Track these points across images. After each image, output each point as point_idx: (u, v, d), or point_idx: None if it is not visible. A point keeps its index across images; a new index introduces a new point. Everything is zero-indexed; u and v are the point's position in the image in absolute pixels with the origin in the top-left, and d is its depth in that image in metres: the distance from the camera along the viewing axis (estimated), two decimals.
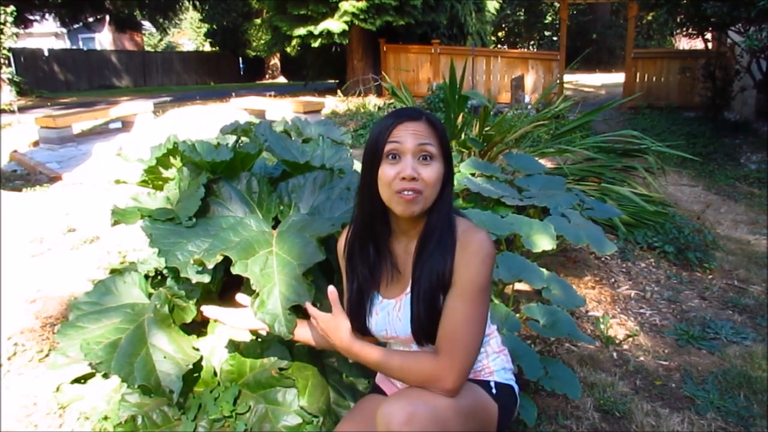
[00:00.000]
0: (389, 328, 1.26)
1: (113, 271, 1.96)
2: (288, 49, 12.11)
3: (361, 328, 1.30)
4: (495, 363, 1.33)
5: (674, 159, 5.79)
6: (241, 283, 1.58)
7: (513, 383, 1.35)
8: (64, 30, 23.33)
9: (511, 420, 1.33)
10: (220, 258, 1.46)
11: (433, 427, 1.06)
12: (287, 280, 1.43)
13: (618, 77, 11.30)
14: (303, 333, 1.43)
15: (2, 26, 11.44)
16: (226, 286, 1.78)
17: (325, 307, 1.61)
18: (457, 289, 1.15)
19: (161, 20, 21.06)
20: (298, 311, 1.41)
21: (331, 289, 1.27)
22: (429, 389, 1.13)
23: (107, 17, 19.88)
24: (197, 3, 20.43)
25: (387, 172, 1.15)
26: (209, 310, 1.39)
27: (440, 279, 1.16)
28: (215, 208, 1.74)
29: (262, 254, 1.49)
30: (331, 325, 1.25)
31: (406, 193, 1.13)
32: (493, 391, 1.27)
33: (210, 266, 1.48)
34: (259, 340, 1.70)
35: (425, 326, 1.18)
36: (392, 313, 1.25)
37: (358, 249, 1.28)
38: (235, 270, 1.41)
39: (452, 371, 1.12)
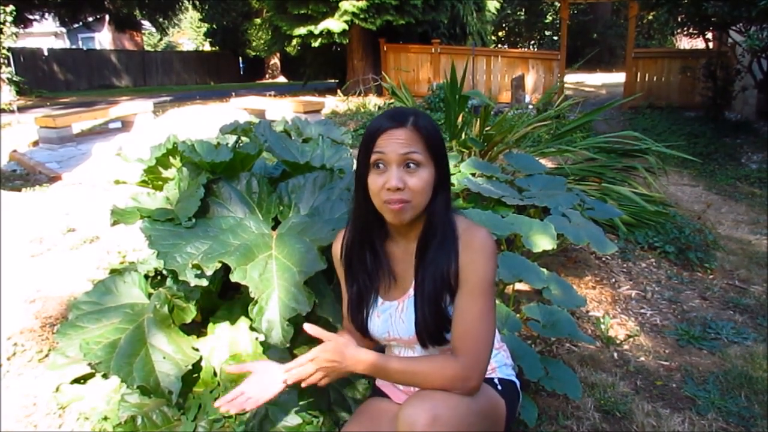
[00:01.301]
0: (391, 330, 1.25)
1: (113, 271, 1.96)
2: (288, 49, 12.11)
3: (361, 331, 1.30)
4: (496, 359, 1.34)
5: (675, 159, 5.79)
6: None
7: (514, 378, 1.35)
8: (64, 29, 23.33)
9: (515, 415, 1.33)
10: (218, 265, 1.45)
11: (456, 428, 1.06)
12: (286, 286, 1.42)
13: (619, 77, 11.29)
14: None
15: (2, 26, 11.43)
16: (226, 285, 1.78)
17: (326, 309, 1.61)
18: (467, 288, 1.16)
19: (161, 20, 21.05)
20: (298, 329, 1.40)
21: (307, 326, 1.20)
22: (451, 390, 1.12)
23: (107, 17, 19.87)
24: (197, 2, 20.42)
25: (374, 181, 1.15)
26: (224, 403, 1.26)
27: (445, 280, 1.16)
28: (215, 209, 1.74)
29: (262, 258, 1.48)
30: (338, 354, 1.17)
31: (393, 203, 1.13)
32: (498, 387, 1.27)
33: (209, 273, 1.47)
34: (260, 340, 1.70)
35: (431, 328, 1.18)
36: (394, 315, 1.25)
37: (356, 253, 1.27)
38: (234, 278, 1.41)
39: (475, 370, 1.13)
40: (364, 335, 1.31)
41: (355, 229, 1.27)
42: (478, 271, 1.15)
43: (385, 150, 1.13)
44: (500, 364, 1.34)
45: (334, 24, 10.54)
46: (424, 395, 1.11)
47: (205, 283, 1.54)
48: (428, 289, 1.17)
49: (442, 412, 1.05)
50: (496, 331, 1.38)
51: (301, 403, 1.63)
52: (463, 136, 3.82)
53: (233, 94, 11.14)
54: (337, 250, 1.34)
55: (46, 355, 2.22)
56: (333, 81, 14.36)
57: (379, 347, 1.38)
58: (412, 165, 1.13)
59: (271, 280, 1.44)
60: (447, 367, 1.13)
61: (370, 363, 1.16)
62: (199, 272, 1.52)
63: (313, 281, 1.50)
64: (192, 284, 1.54)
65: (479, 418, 1.12)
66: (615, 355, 2.37)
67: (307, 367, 1.19)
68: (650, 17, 14.74)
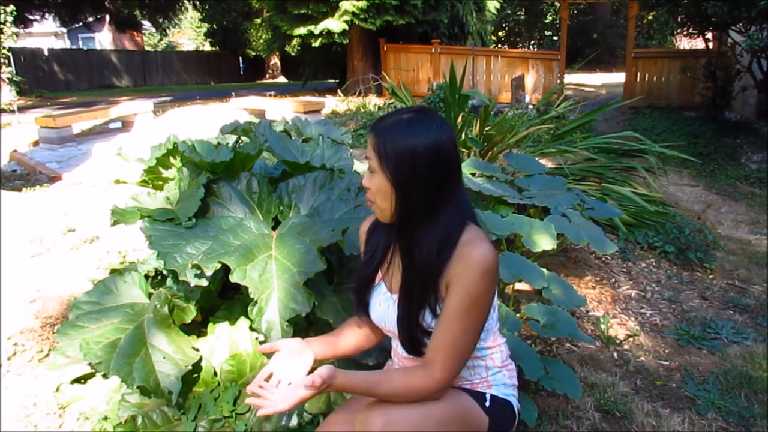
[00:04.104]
0: (387, 321, 1.27)
1: (113, 271, 1.96)
2: (288, 49, 12.12)
3: (364, 308, 1.32)
4: (495, 378, 1.30)
5: (675, 159, 5.79)
6: None
7: (513, 399, 1.32)
8: (64, 30, 23.34)
9: None
10: (218, 265, 1.46)
11: (410, 429, 1.09)
12: (286, 287, 1.43)
13: (618, 77, 11.28)
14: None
15: (2, 26, 11.44)
16: (226, 285, 1.78)
17: (326, 310, 1.61)
18: (452, 302, 1.13)
19: (161, 20, 21.06)
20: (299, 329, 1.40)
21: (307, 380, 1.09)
22: (424, 400, 1.14)
23: (107, 17, 19.88)
24: (197, 3, 20.42)
25: None
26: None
27: (430, 288, 1.16)
28: (215, 209, 1.74)
29: (262, 258, 1.48)
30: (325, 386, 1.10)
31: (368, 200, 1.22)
32: (487, 403, 1.25)
33: (209, 273, 1.47)
34: (259, 340, 1.70)
35: (404, 333, 1.20)
36: (392, 307, 1.26)
37: (368, 233, 1.33)
38: (233, 278, 1.41)
39: (442, 383, 1.14)
40: (360, 307, 1.34)
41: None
42: (466, 287, 1.12)
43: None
44: (498, 383, 1.30)
45: (334, 24, 10.54)
46: (385, 402, 1.14)
47: (205, 283, 1.55)
48: (408, 293, 1.18)
49: (395, 417, 1.09)
50: (505, 349, 1.35)
51: None
52: (463, 136, 3.82)
53: (233, 94, 11.13)
54: (363, 228, 1.38)
55: (46, 355, 2.22)
56: (333, 81, 14.36)
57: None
58: (370, 169, 1.18)
59: (271, 281, 1.44)
60: (413, 383, 1.13)
61: (343, 386, 1.12)
62: (199, 272, 1.52)
63: (314, 282, 1.50)
64: (192, 284, 1.54)
65: (441, 425, 1.13)
66: (615, 355, 2.37)
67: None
68: (650, 17, 14.75)
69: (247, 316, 1.63)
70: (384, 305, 1.28)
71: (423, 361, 1.18)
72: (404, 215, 1.16)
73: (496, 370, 1.30)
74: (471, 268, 1.12)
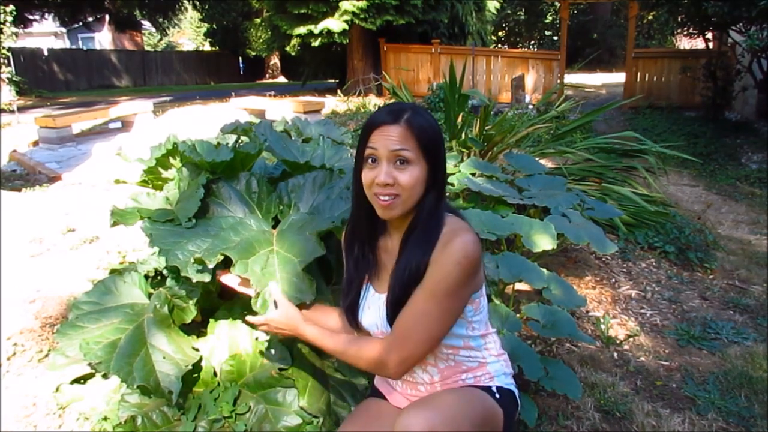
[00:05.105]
0: (379, 322, 1.26)
1: (113, 271, 1.96)
2: (288, 49, 12.11)
3: (352, 322, 1.32)
4: (495, 368, 1.31)
5: (675, 159, 5.79)
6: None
7: (513, 387, 1.33)
8: (64, 30, 23.36)
9: (513, 425, 1.32)
10: (221, 258, 1.45)
11: None
12: (288, 278, 1.43)
13: (619, 77, 11.29)
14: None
15: (2, 26, 11.44)
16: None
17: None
18: (424, 284, 1.15)
19: (161, 20, 21.07)
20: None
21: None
22: (372, 372, 1.27)
23: (107, 17, 19.89)
24: (197, 3, 20.43)
25: (366, 175, 1.18)
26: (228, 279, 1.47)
27: (413, 271, 1.16)
28: (215, 209, 1.74)
29: (263, 253, 1.48)
30: (283, 321, 1.33)
31: (382, 198, 1.16)
32: (497, 396, 1.26)
33: (211, 266, 1.47)
34: (260, 340, 1.70)
35: (392, 318, 1.20)
36: (381, 307, 1.25)
37: (349, 242, 1.32)
38: (235, 270, 1.41)
39: (396, 359, 1.16)
40: (353, 324, 1.32)
41: (351, 219, 1.31)
42: (440, 272, 1.13)
43: (377, 146, 1.15)
44: (499, 374, 1.31)
45: (334, 24, 10.54)
46: (422, 404, 1.14)
47: (207, 278, 1.54)
48: (397, 279, 1.18)
49: (438, 421, 1.07)
50: (497, 338, 1.36)
51: (301, 403, 1.63)
52: (463, 136, 3.82)
53: (233, 94, 11.13)
54: (342, 237, 1.38)
55: (46, 355, 2.22)
56: (333, 81, 14.36)
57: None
58: (402, 161, 1.15)
59: (274, 274, 1.44)
60: (368, 350, 1.20)
61: (312, 338, 1.29)
62: (201, 267, 1.52)
63: (314, 278, 1.50)
64: (194, 280, 1.53)
65: (476, 427, 1.13)
66: (615, 355, 2.37)
67: (261, 327, 1.37)
68: (650, 17, 14.75)
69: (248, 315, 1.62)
70: (373, 307, 1.27)
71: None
72: (428, 201, 1.19)
73: (493, 360, 1.31)
74: (448, 256, 1.14)
